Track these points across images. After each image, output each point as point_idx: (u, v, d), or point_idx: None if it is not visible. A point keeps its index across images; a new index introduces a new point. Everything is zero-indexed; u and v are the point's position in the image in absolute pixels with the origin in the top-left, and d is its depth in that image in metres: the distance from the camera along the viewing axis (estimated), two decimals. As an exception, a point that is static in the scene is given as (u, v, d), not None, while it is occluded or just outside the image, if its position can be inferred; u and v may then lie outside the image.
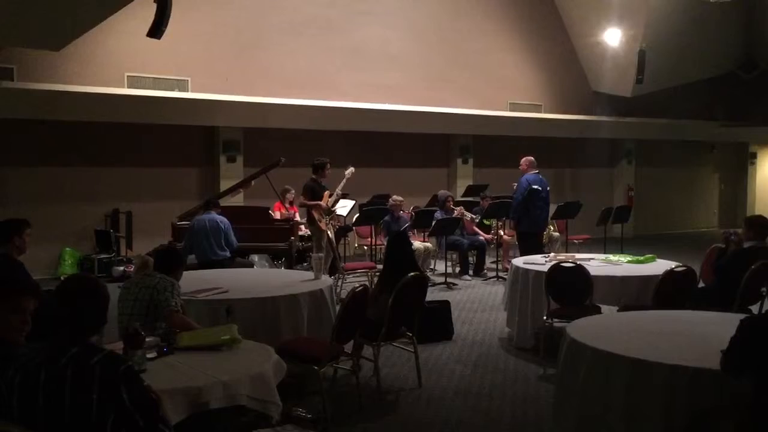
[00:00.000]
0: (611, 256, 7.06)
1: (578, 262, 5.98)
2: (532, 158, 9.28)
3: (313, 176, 8.98)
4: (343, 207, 9.69)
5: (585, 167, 16.18)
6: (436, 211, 10.30)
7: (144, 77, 10.96)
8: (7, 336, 2.64)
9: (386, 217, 9.87)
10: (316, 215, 8.74)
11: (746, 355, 2.92)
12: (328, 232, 8.94)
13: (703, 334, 3.89)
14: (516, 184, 9.58)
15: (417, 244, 9.75)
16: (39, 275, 8.93)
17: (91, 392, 2.38)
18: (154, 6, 7.49)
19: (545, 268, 5.98)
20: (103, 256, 10.32)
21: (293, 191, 10.59)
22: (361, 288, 4.74)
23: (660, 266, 6.22)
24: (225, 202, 9.33)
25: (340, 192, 9.04)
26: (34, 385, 2.43)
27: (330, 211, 8.99)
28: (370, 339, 5.05)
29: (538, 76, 15.26)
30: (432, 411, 4.92)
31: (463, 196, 12.84)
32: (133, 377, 2.50)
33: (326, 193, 8.94)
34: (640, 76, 13.51)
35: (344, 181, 9.08)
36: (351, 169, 9.26)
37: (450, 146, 14.42)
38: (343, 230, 10.30)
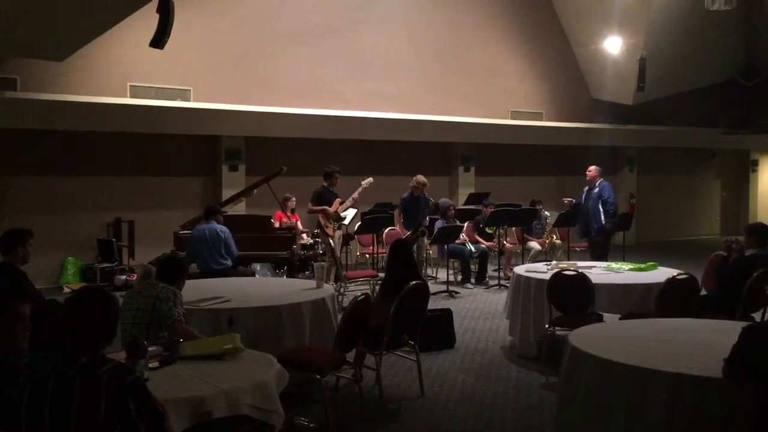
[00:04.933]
0: (613, 264, 7.06)
1: (580, 270, 5.98)
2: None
3: (324, 183, 9.16)
4: (345, 214, 9.72)
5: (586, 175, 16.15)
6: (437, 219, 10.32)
7: (146, 87, 10.99)
8: (14, 343, 2.70)
9: (405, 195, 9.93)
10: (322, 221, 8.96)
11: (749, 363, 2.92)
12: (330, 240, 9.00)
13: (706, 342, 3.89)
14: (568, 199, 10.42)
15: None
16: (41, 284, 8.95)
17: (99, 402, 2.39)
18: (157, 16, 7.53)
19: (547, 276, 5.99)
20: (105, 265, 10.32)
21: (294, 199, 10.64)
22: (363, 296, 4.75)
23: (662, 274, 6.23)
24: (227, 210, 9.34)
25: (357, 196, 9.17)
26: (42, 394, 2.44)
27: (339, 218, 9.10)
28: (372, 348, 5.05)
29: (539, 84, 15.29)
30: (434, 420, 4.91)
31: (465, 204, 12.86)
32: (141, 388, 2.50)
33: (337, 200, 9.10)
34: (641, 84, 13.52)
35: (360, 189, 9.20)
36: (369, 180, 9.38)
37: (452, 154, 14.44)
38: (345, 239, 10.31)
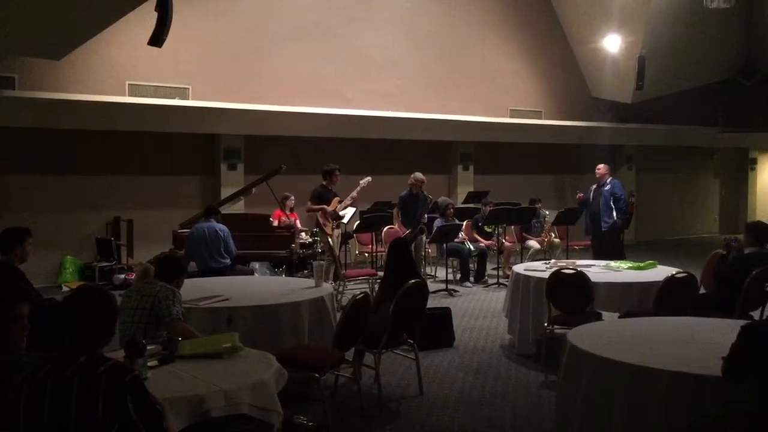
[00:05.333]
0: (612, 263, 7.06)
1: (579, 269, 5.98)
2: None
3: (323, 182, 9.14)
4: (344, 213, 9.72)
5: (585, 173, 16.13)
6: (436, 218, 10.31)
7: (145, 85, 10.97)
8: (11, 344, 2.69)
9: (403, 193, 9.90)
10: (321, 220, 8.94)
11: (747, 362, 2.92)
12: (329, 239, 9.00)
13: (705, 340, 3.89)
14: (581, 192, 10.40)
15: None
16: (40, 283, 8.93)
17: (97, 402, 2.38)
18: (155, 14, 7.51)
19: (546, 275, 5.99)
20: (104, 264, 10.33)
21: (293, 198, 10.64)
22: (362, 295, 4.75)
23: (661, 272, 6.23)
24: (225, 209, 9.33)
25: (355, 195, 9.16)
26: (40, 394, 2.43)
27: (338, 216, 9.09)
28: (371, 346, 5.05)
29: (538, 82, 15.28)
30: (433, 418, 4.91)
31: (464, 202, 12.86)
32: (139, 387, 2.49)
33: (336, 199, 9.08)
34: (640, 82, 13.52)
35: (359, 188, 9.18)
36: (367, 179, 9.36)
37: (451, 153, 14.43)
38: (344, 237, 10.31)
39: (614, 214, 9.71)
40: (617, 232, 9.85)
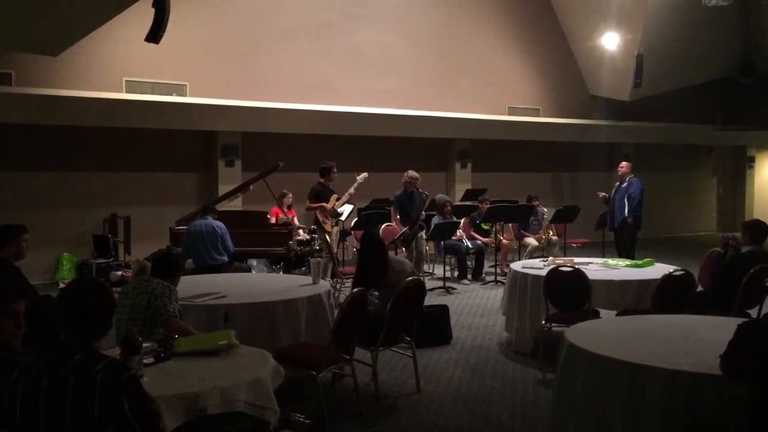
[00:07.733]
0: (610, 260, 7.06)
1: (577, 267, 5.97)
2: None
3: (321, 180, 9.13)
4: (342, 210, 9.70)
5: (583, 171, 16.18)
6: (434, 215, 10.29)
7: (142, 82, 10.96)
8: (5, 341, 2.67)
9: (398, 193, 9.91)
10: (320, 217, 8.93)
11: (744, 360, 2.92)
12: (327, 237, 8.99)
13: (702, 338, 3.88)
14: (602, 193, 10.62)
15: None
16: (37, 280, 8.92)
17: (93, 401, 2.36)
18: (153, 11, 7.49)
19: (544, 273, 5.98)
20: (101, 261, 10.31)
21: (291, 195, 10.62)
22: (359, 292, 4.73)
23: (658, 270, 6.22)
24: (223, 206, 9.32)
25: (353, 191, 9.15)
26: (35, 391, 2.40)
27: (336, 213, 9.08)
28: (368, 344, 5.04)
29: (536, 80, 15.28)
30: (431, 416, 4.91)
31: (462, 200, 12.85)
32: (136, 387, 2.46)
33: (334, 196, 9.08)
34: (638, 80, 13.52)
35: (356, 184, 9.18)
36: (364, 175, 9.35)
37: (449, 150, 14.42)
38: (341, 235, 10.29)
39: (625, 211, 9.89)
40: (631, 230, 9.95)
